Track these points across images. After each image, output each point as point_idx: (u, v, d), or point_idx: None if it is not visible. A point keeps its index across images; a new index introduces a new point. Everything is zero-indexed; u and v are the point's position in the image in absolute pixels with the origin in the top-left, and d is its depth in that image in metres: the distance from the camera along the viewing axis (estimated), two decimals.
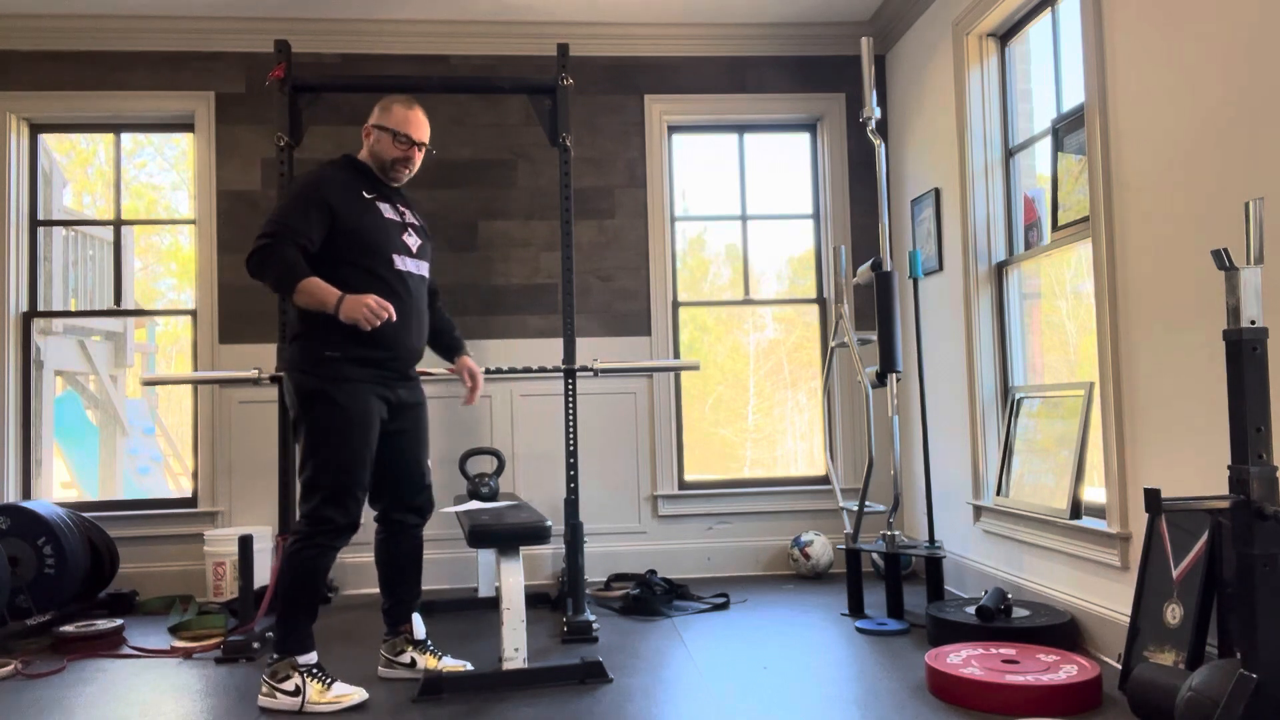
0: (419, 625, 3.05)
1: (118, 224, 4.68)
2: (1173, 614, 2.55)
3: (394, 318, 2.73)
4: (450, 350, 3.23)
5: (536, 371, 3.94)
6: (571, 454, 3.75)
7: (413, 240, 2.97)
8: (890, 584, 3.63)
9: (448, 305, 3.50)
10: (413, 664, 3.00)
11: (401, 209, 2.99)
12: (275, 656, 2.74)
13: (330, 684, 2.74)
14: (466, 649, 3.35)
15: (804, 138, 4.99)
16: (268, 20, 4.55)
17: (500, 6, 4.50)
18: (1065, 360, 3.70)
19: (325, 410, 2.75)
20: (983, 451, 3.85)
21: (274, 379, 3.70)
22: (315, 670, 2.74)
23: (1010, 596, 3.23)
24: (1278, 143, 2.32)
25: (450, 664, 3.00)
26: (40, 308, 4.63)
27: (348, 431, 2.75)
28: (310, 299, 2.71)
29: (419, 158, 2.98)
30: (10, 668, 3.15)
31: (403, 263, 2.89)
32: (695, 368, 4.01)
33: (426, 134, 2.98)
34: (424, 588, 4.46)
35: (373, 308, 2.67)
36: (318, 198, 2.78)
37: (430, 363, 4.54)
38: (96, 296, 6.58)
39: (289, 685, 2.70)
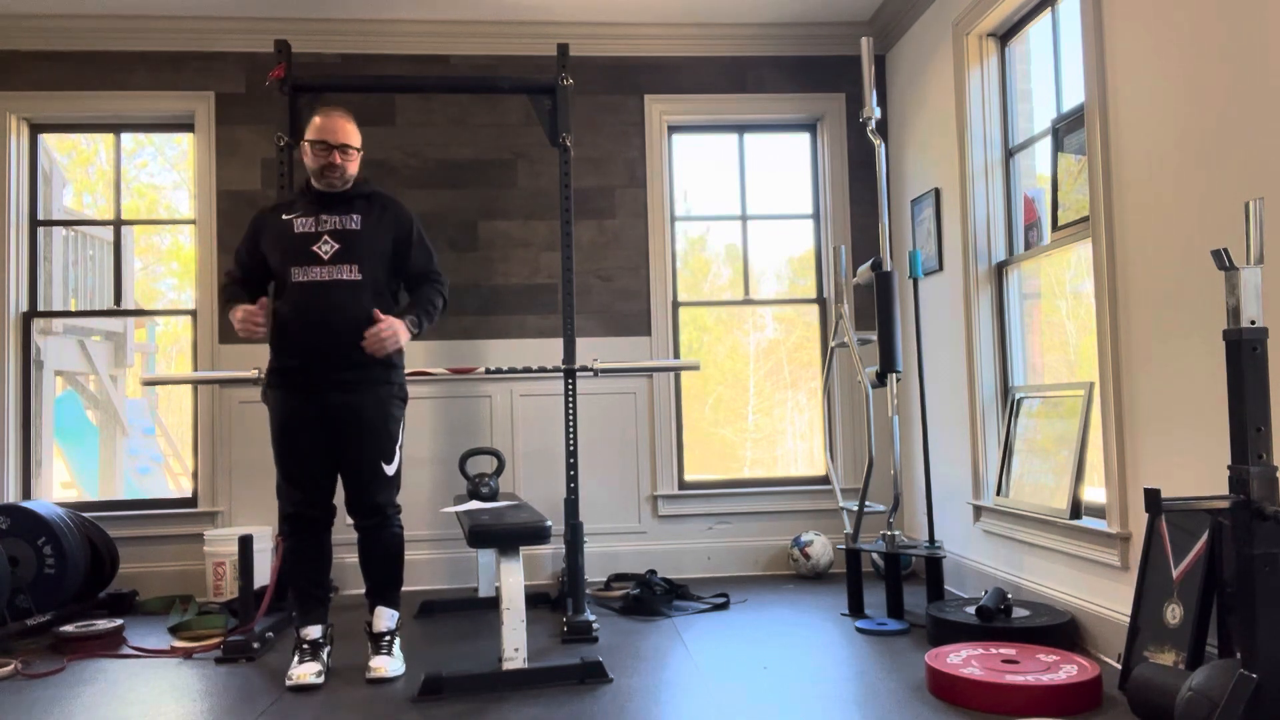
0: (386, 619, 3.12)
1: (118, 224, 4.68)
2: (1173, 614, 2.55)
3: (257, 332, 2.93)
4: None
5: (536, 371, 3.94)
6: (571, 454, 3.75)
7: (327, 248, 3.01)
8: (890, 584, 3.63)
9: (450, 302, 3.30)
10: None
11: (324, 218, 3.05)
12: None
13: (303, 661, 2.96)
14: (466, 649, 3.35)
15: (804, 138, 4.99)
16: (268, 20, 4.55)
17: (500, 6, 4.50)
18: (1065, 360, 3.70)
19: (269, 416, 3.10)
20: (983, 451, 3.85)
21: None
22: (304, 645, 3.01)
23: (1010, 596, 3.23)
24: (1278, 143, 2.32)
25: (379, 663, 3.01)
26: (40, 308, 4.63)
27: (276, 434, 3.06)
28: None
29: (343, 159, 3.05)
30: (10, 668, 3.15)
31: (304, 274, 3.00)
32: (695, 368, 4.01)
33: (346, 135, 3.05)
34: (424, 587, 4.49)
35: (237, 319, 2.95)
36: (250, 230, 3.16)
37: (430, 363, 4.56)
38: (96, 296, 6.58)
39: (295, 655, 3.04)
